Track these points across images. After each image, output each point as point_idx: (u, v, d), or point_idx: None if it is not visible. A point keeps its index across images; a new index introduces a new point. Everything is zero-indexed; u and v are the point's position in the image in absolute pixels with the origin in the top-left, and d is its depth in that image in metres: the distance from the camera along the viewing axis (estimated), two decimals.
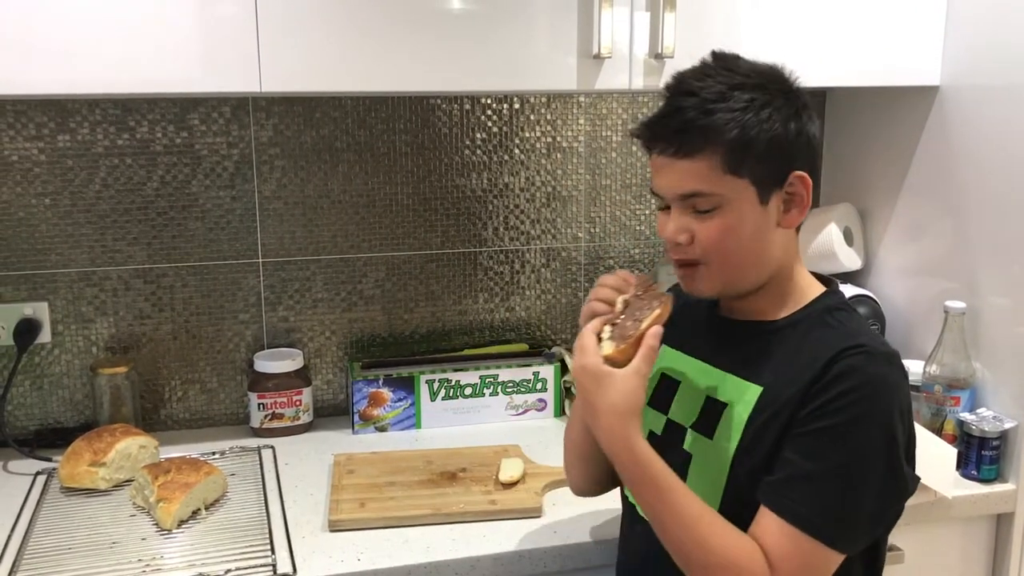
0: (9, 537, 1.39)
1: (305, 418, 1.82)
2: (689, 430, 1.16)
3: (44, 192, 1.70)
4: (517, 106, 1.91)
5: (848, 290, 1.85)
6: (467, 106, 1.88)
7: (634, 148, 1.97)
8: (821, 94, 2.07)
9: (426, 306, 1.94)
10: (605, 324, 1.10)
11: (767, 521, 1.04)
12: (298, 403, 1.80)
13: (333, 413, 1.91)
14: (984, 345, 1.64)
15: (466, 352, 1.95)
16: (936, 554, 1.59)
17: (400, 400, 1.82)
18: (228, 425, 1.86)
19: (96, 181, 1.73)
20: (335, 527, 1.42)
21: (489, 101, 1.90)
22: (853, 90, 1.96)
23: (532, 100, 1.92)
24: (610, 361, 1.06)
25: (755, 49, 1.58)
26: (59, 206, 1.71)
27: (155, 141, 1.74)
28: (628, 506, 1.24)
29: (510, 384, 1.87)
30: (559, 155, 1.95)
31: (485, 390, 1.86)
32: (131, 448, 1.57)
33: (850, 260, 1.92)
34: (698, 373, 1.19)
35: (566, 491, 1.39)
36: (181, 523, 1.42)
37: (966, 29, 1.67)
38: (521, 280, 1.98)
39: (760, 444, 1.08)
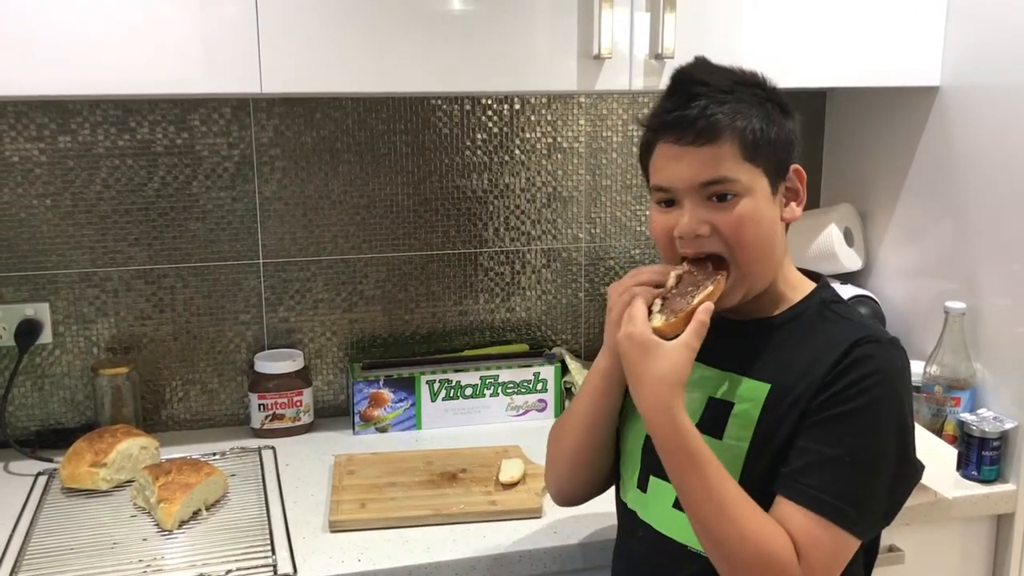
0: (10, 538, 1.39)
1: (306, 419, 1.82)
2: None
3: (45, 193, 1.71)
4: (518, 107, 1.91)
5: (848, 290, 1.85)
6: (468, 107, 1.89)
7: (634, 149, 1.96)
8: (821, 94, 2.07)
9: (427, 307, 1.94)
10: (656, 297, 1.10)
11: (788, 511, 1.04)
12: (299, 404, 1.80)
13: (334, 414, 1.91)
14: (984, 346, 1.64)
15: (466, 353, 1.95)
16: (936, 555, 1.59)
17: (400, 401, 1.82)
18: (229, 426, 1.86)
19: (97, 182, 1.73)
20: (336, 528, 1.42)
21: (490, 102, 1.90)
22: (853, 90, 1.96)
23: (533, 101, 1.92)
24: (658, 333, 1.06)
25: (755, 49, 1.60)
26: (60, 207, 1.72)
27: (156, 142, 1.74)
28: (628, 513, 1.22)
29: (510, 385, 1.87)
30: (559, 156, 1.95)
31: (486, 391, 1.86)
32: (132, 449, 1.57)
33: (850, 261, 1.92)
34: (697, 374, 1.19)
35: None
36: (182, 524, 1.42)
37: (966, 29, 1.67)
38: (522, 281, 1.98)
39: (773, 440, 1.08)
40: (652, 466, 1.17)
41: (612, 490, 1.29)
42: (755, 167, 1.08)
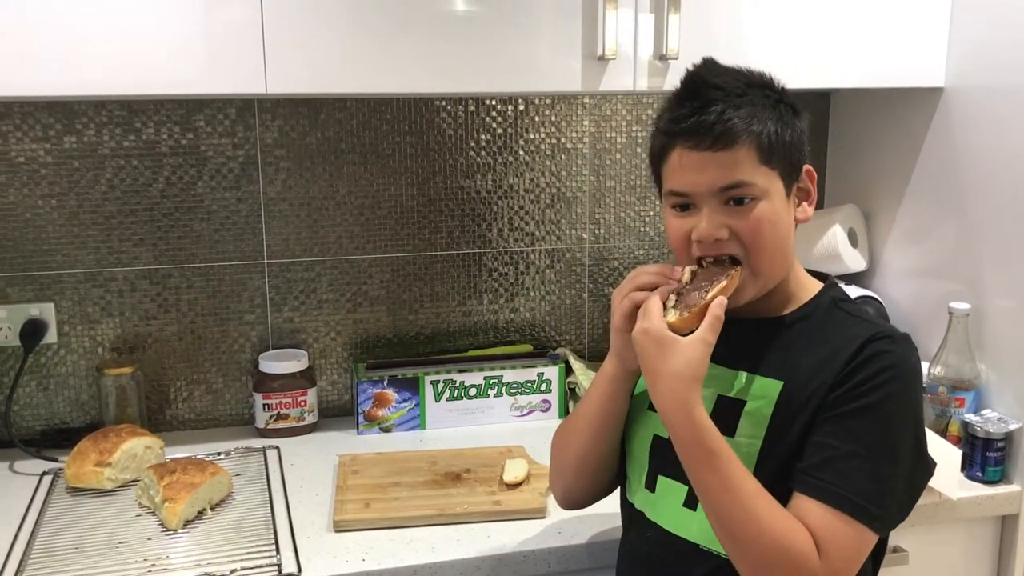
0: (15, 537, 1.39)
1: (310, 419, 1.82)
2: None
3: (50, 193, 1.71)
4: (522, 108, 1.91)
5: (852, 291, 1.84)
6: (472, 108, 1.89)
7: (638, 150, 1.97)
8: (825, 95, 2.07)
9: (431, 307, 1.94)
10: (671, 293, 1.10)
11: (807, 507, 1.03)
12: (303, 404, 1.80)
13: (338, 414, 1.91)
14: (989, 346, 1.64)
15: (470, 353, 1.95)
16: (940, 555, 1.59)
17: (405, 401, 1.83)
18: (233, 426, 1.87)
19: (102, 182, 1.73)
20: (340, 527, 1.42)
21: (494, 103, 1.90)
22: (857, 91, 1.96)
23: (537, 102, 1.92)
24: (673, 329, 1.06)
25: (760, 50, 1.61)
26: (65, 207, 1.72)
27: (161, 142, 1.75)
28: (636, 514, 1.22)
29: (514, 385, 1.87)
30: (563, 156, 1.96)
31: (489, 391, 1.86)
32: (137, 448, 1.58)
33: (854, 261, 1.92)
34: (707, 372, 1.19)
35: None
36: (187, 523, 1.42)
37: (970, 30, 1.67)
38: (525, 281, 1.99)
39: (786, 438, 1.08)
40: (661, 466, 1.17)
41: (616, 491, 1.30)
42: (771, 170, 1.09)
